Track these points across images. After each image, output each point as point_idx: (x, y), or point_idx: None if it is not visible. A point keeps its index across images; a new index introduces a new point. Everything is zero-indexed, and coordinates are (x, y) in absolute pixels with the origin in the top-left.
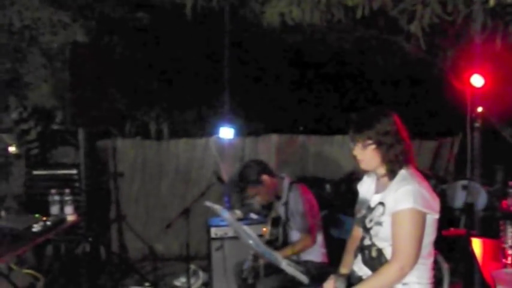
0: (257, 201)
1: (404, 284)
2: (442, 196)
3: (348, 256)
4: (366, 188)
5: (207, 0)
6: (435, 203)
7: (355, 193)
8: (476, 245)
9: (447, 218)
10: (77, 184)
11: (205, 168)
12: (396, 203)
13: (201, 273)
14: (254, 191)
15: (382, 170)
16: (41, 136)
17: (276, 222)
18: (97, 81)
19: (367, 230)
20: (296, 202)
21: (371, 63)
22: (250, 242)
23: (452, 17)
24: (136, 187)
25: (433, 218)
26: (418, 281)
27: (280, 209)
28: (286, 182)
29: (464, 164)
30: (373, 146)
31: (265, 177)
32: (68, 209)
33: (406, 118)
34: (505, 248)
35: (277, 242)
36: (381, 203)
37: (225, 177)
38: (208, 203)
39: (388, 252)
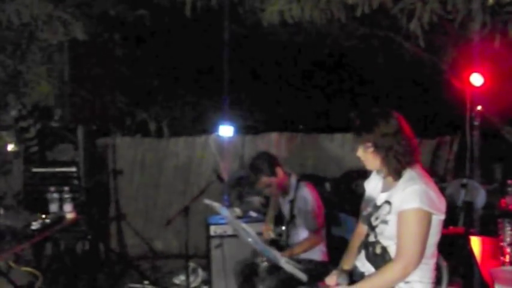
0: (267, 192)
1: (407, 282)
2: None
3: (350, 252)
4: (372, 186)
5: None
6: (441, 203)
7: (354, 192)
8: (475, 243)
9: (447, 216)
10: (76, 182)
11: (204, 166)
12: (402, 203)
13: (200, 271)
14: (267, 181)
15: (384, 171)
16: (40, 134)
17: (279, 220)
18: (96, 78)
19: (372, 228)
20: (305, 201)
21: (371, 61)
22: (249, 239)
23: (451, 16)
24: (136, 185)
25: (438, 218)
26: (420, 280)
27: (285, 206)
28: (293, 179)
29: (464, 162)
30: (372, 149)
31: (279, 169)
32: (67, 207)
33: (405, 117)
34: (503, 246)
35: (281, 241)
36: (387, 202)
37: (225, 175)
38: (207, 201)
39: (392, 251)
